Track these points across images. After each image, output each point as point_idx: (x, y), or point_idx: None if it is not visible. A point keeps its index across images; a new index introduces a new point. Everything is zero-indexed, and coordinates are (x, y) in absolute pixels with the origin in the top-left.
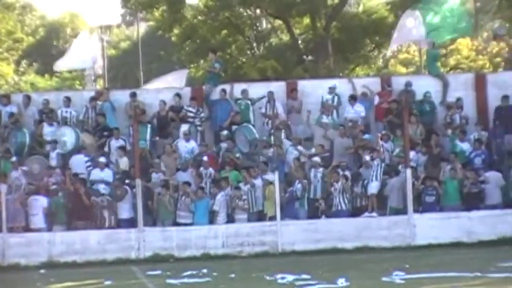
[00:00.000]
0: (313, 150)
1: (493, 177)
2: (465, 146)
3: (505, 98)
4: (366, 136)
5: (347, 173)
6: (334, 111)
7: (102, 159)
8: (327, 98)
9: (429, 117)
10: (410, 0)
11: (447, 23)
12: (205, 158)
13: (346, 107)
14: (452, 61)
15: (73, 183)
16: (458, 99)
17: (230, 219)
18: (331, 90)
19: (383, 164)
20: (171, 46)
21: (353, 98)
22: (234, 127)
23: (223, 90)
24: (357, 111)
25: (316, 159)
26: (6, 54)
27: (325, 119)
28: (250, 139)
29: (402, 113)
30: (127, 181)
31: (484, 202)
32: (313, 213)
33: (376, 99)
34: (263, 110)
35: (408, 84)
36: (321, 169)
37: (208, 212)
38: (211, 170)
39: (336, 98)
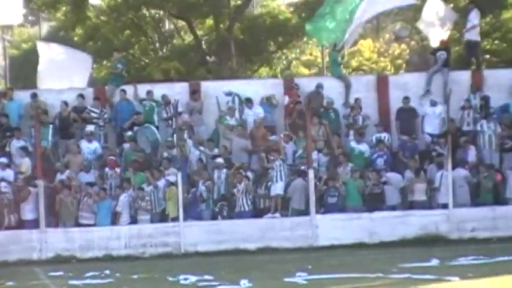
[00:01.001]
0: (216, 151)
1: (394, 178)
2: (363, 148)
3: (406, 99)
4: (272, 137)
5: (249, 174)
6: (236, 113)
7: (3, 160)
8: (227, 100)
9: (335, 124)
10: (314, 2)
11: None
12: (109, 159)
13: (245, 109)
14: (354, 63)
15: None
16: (357, 100)
17: (133, 220)
18: (228, 94)
19: (285, 165)
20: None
21: (249, 101)
22: (135, 128)
23: (123, 91)
24: (256, 113)
25: (220, 160)
26: None
27: (229, 120)
28: (152, 140)
29: (305, 114)
30: (35, 182)
31: (385, 203)
32: (217, 215)
33: (286, 100)
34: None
35: (319, 86)
36: (224, 170)
37: (111, 213)
38: (114, 170)
39: (236, 99)
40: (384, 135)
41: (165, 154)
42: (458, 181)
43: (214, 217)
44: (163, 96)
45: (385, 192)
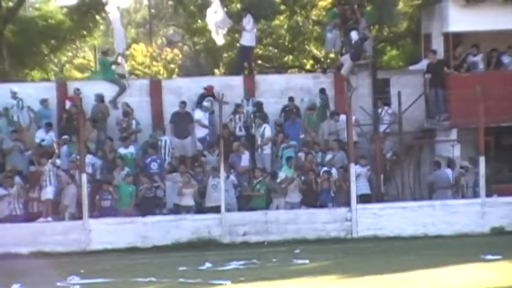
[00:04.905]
0: None
1: (170, 181)
2: (131, 150)
3: (183, 103)
4: (44, 141)
5: (17, 179)
6: (15, 116)
7: None
8: (12, 103)
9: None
10: (87, 4)
11: None
12: None
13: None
14: (127, 67)
15: None
16: (119, 103)
17: None
18: (13, 95)
19: (55, 169)
20: None
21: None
22: None
23: None
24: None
25: None
26: None
27: None
28: None
29: (78, 118)
30: None
31: (159, 207)
32: None
33: (68, 104)
34: None
35: (99, 96)
36: None
37: None
38: None
39: (20, 103)
40: (162, 138)
41: None
42: (227, 186)
43: None
44: None
45: (161, 196)
